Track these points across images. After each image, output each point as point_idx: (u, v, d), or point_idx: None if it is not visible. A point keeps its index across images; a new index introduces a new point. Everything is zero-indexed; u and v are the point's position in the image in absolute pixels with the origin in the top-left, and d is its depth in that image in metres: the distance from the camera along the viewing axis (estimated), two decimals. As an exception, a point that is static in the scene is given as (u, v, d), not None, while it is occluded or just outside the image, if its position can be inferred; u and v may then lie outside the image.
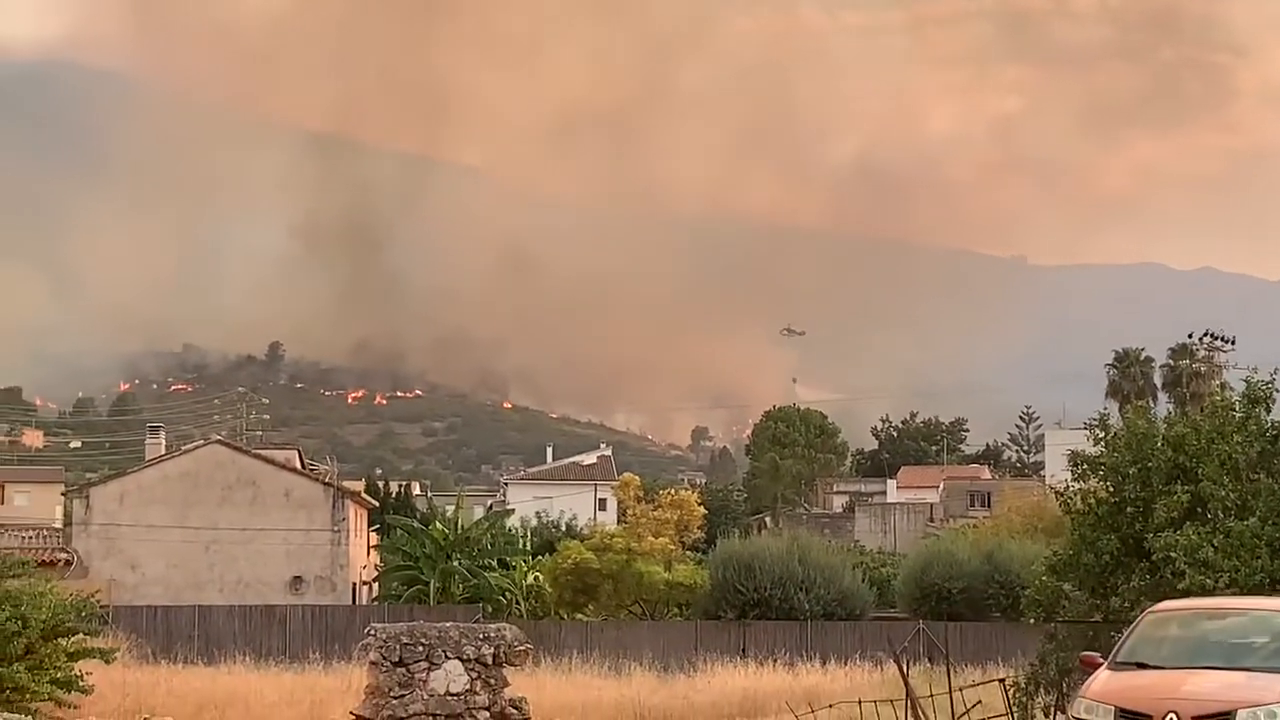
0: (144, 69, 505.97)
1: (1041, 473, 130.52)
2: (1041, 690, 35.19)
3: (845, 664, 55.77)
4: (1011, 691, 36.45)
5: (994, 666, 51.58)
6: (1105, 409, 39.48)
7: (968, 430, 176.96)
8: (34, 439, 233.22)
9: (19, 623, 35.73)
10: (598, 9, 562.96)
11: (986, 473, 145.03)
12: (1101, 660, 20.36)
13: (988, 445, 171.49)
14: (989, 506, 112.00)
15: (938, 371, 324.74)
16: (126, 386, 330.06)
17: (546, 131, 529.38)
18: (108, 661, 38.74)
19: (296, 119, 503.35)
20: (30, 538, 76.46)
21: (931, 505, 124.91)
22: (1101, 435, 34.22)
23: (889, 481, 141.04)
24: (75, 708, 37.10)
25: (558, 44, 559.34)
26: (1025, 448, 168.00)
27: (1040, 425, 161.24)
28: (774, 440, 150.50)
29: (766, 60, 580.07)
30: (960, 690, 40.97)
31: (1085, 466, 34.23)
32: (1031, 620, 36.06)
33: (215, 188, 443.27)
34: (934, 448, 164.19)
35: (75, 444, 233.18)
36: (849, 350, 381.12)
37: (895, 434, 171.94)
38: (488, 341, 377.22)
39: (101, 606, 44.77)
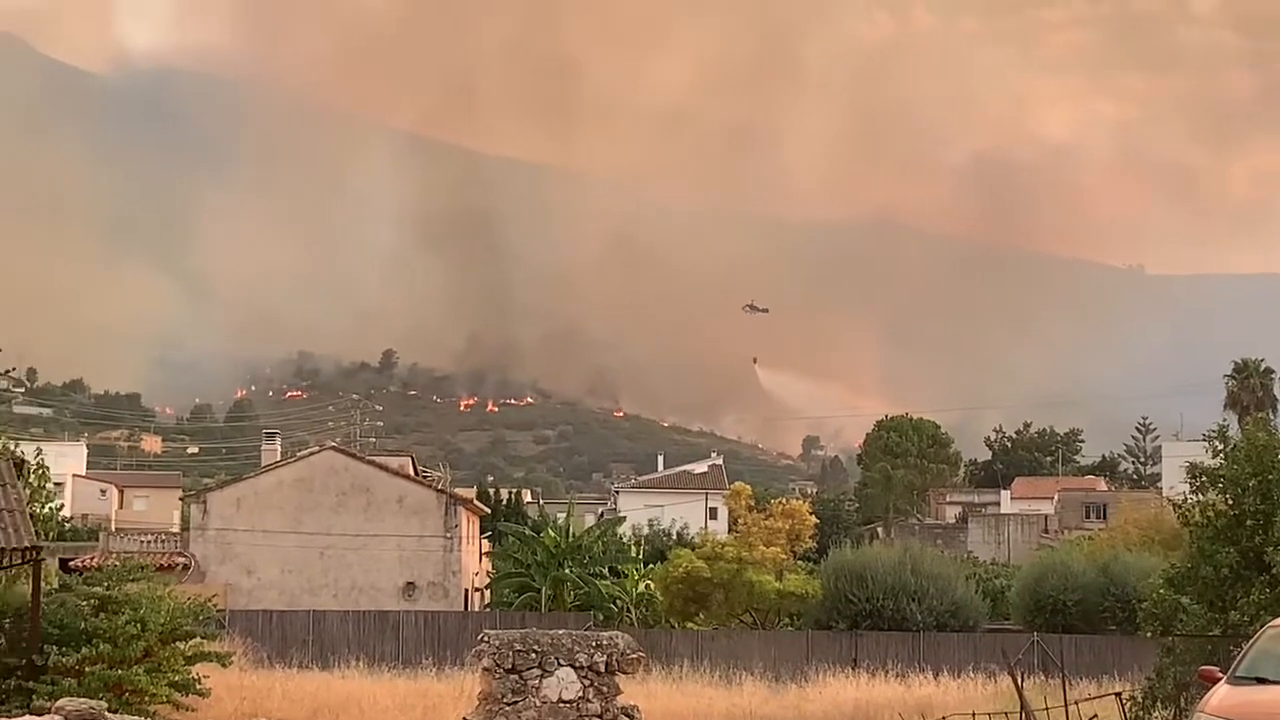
0: (259, 75, 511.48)
1: (1159, 485, 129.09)
2: (1159, 705, 34.81)
3: (958, 676, 55.34)
4: (1128, 706, 36.07)
5: (1110, 680, 51.07)
6: (1224, 421, 39.06)
7: (1083, 441, 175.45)
8: (153, 445, 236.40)
9: (138, 626, 36.19)
10: (712, 7, 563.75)
11: (1102, 484, 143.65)
12: (1220, 675, 20.13)
13: (1104, 457, 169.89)
14: (1105, 518, 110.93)
15: (1053, 381, 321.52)
16: (243, 393, 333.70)
17: (659, 131, 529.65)
18: (224, 665, 39.15)
19: (407, 121, 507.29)
20: (149, 542, 77.47)
21: (1046, 517, 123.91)
22: (1221, 447, 33.85)
23: (1003, 492, 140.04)
24: (192, 710, 37.49)
25: (669, 43, 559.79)
26: (1142, 459, 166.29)
27: (1158, 437, 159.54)
28: (886, 450, 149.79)
29: (880, 63, 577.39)
30: (1076, 704, 40.60)
31: (1204, 479, 33.87)
32: (1149, 634, 35.71)
33: (330, 192, 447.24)
34: (1049, 458, 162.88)
35: (193, 450, 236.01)
36: (963, 358, 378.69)
37: (1009, 444, 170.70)
38: (599, 345, 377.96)
39: (218, 611, 45.34)
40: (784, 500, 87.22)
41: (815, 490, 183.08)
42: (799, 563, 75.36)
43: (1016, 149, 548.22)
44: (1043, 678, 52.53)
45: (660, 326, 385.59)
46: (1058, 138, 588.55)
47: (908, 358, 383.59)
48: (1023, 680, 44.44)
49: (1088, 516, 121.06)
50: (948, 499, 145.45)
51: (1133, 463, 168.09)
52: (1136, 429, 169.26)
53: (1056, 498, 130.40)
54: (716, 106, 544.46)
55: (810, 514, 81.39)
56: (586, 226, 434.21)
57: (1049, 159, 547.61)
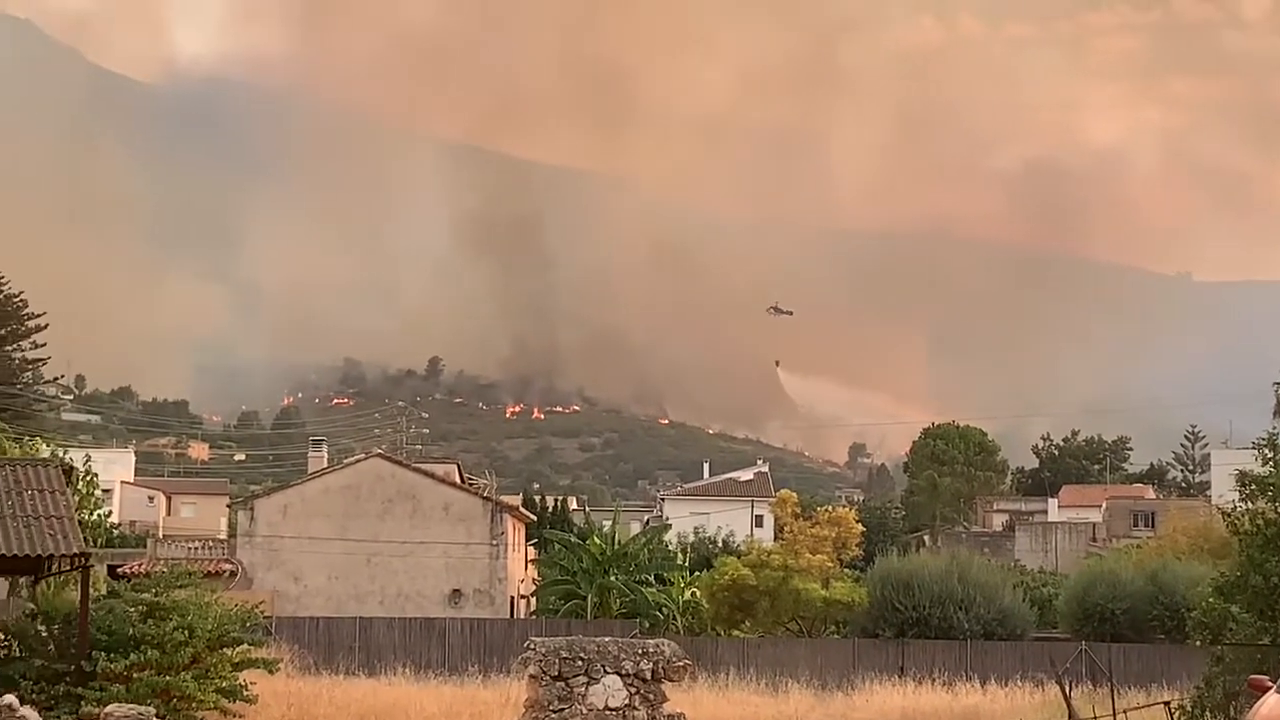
0: (306, 84, 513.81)
1: (1207, 493, 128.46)
2: (1208, 714, 34.64)
3: (1005, 684, 55.13)
4: (1177, 715, 35.91)
5: (1158, 689, 50.78)
6: (1274, 428, 38.85)
7: (1131, 449, 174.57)
8: (200, 452, 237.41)
9: (186, 632, 36.36)
10: (754, 13, 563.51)
11: (1151, 492, 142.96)
12: (1270, 684, 19.98)
13: (1152, 464, 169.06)
14: (1153, 527, 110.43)
15: (1101, 389, 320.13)
16: (290, 400, 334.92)
17: (704, 137, 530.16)
18: (271, 671, 39.29)
19: (453, 128, 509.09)
20: (196, 548, 77.80)
21: (1094, 525, 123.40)
22: (1270, 455, 33.65)
23: (1050, 500, 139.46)
24: (240, 717, 37.63)
25: (714, 50, 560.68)
26: (1191, 467, 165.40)
27: (1206, 445, 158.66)
28: (933, 458, 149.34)
29: (926, 69, 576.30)
30: (1124, 713, 40.47)
31: (1253, 487, 33.69)
32: (1198, 642, 35.56)
33: (376, 200, 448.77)
34: (1096, 466, 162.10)
35: (239, 457, 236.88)
36: (1009, 366, 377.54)
37: (1056, 452, 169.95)
38: (644, 352, 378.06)
39: (265, 617, 45.47)
40: (830, 508, 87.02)
41: (862, 498, 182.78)
42: (845, 571, 75.15)
43: (1064, 156, 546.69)
44: (1091, 687, 52.29)
45: (706, 334, 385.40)
46: (1105, 144, 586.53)
47: (954, 365, 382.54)
48: (1071, 689, 44.27)
49: (1136, 525, 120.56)
50: (995, 507, 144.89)
51: (1181, 471, 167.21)
52: (1185, 437, 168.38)
53: (1104, 506, 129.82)
54: (761, 113, 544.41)
55: (856, 522, 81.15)
56: (632, 233, 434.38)
57: (1096, 165, 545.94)
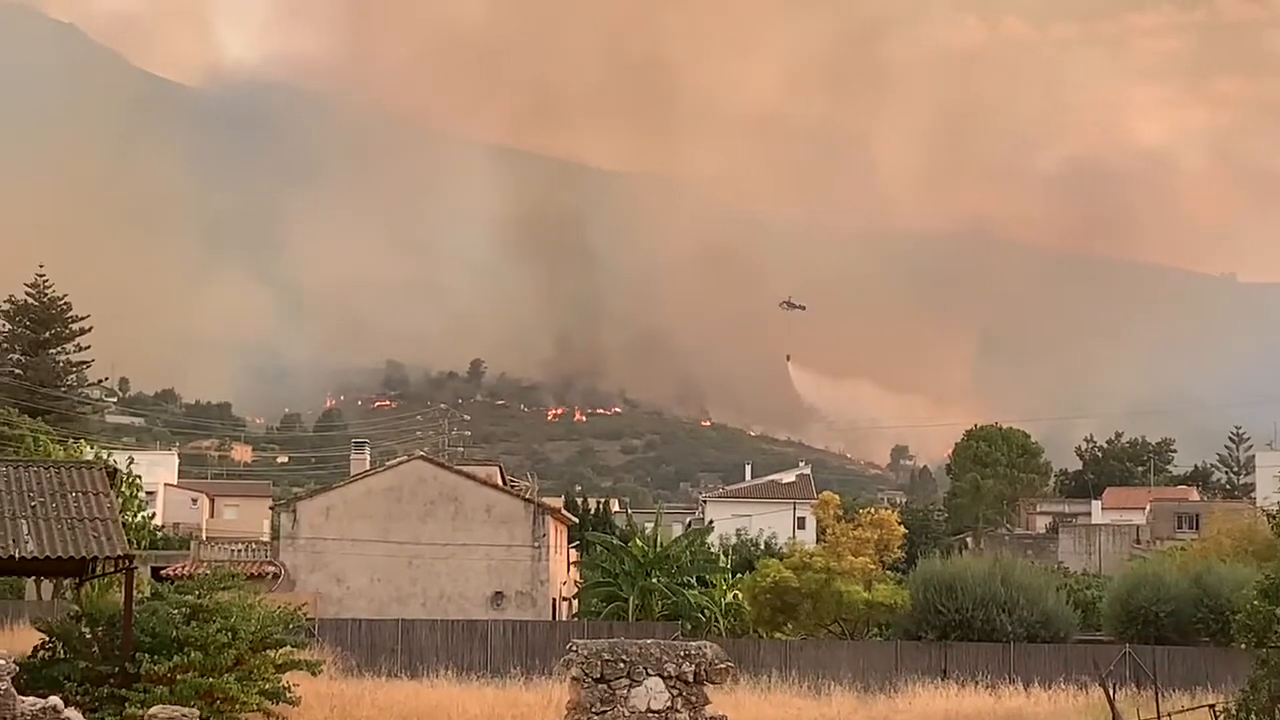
0: (349, 87, 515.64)
1: (1252, 495, 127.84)
2: (1252, 717, 34.43)
3: (1049, 687, 54.92)
4: (1222, 718, 35.70)
5: (1203, 692, 50.57)
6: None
7: (1175, 451, 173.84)
8: (243, 454, 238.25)
9: (229, 634, 36.47)
10: (797, 11, 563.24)
11: (1195, 494, 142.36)
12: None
13: (1196, 466, 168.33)
14: (1197, 529, 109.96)
15: (1144, 391, 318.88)
16: (332, 403, 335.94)
17: (747, 138, 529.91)
18: (314, 673, 39.38)
19: (496, 130, 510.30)
20: (239, 551, 78.01)
21: (1138, 527, 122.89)
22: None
23: (1094, 503, 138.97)
24: (283, 718, 37.71)
25: (757, 50, 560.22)
26: (1235, 469, 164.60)
27: (1251, 446, 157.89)
28: (975, 460, 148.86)
29: (970, 69, 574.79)
30: (1169, 716, 40.28)
31: (1299, 488, 33.48)
32: (1242, 645, 35.37)
33: (420, 202, 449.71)
34: (1140, 468, 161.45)
35: (282, 459, 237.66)
36: (1052, 367, 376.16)
37: (1100, 454, 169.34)
38: (686, 354, 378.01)
39: (308, 619, 45.57)
40: (872, 510, 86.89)
41: (904, 500, 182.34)
42: (887, 573, 75.01)
43: (1108, 156, 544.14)
44: (1135, 689, 52.07)
45: (749, 335, 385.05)
46: (1150, 144, 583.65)
47: (997, 366, 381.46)
48: (1115, 692, 44.07)
49: (1180, 527, 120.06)
50: (1038, 509, 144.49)
51: (1226, 473, 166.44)
52: (1229, 438, 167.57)
53: (1148, 508, 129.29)
54: (805, 113, 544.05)
55: (899, 524, 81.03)
56: (676, 234, 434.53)
57: (1141, 166, 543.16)
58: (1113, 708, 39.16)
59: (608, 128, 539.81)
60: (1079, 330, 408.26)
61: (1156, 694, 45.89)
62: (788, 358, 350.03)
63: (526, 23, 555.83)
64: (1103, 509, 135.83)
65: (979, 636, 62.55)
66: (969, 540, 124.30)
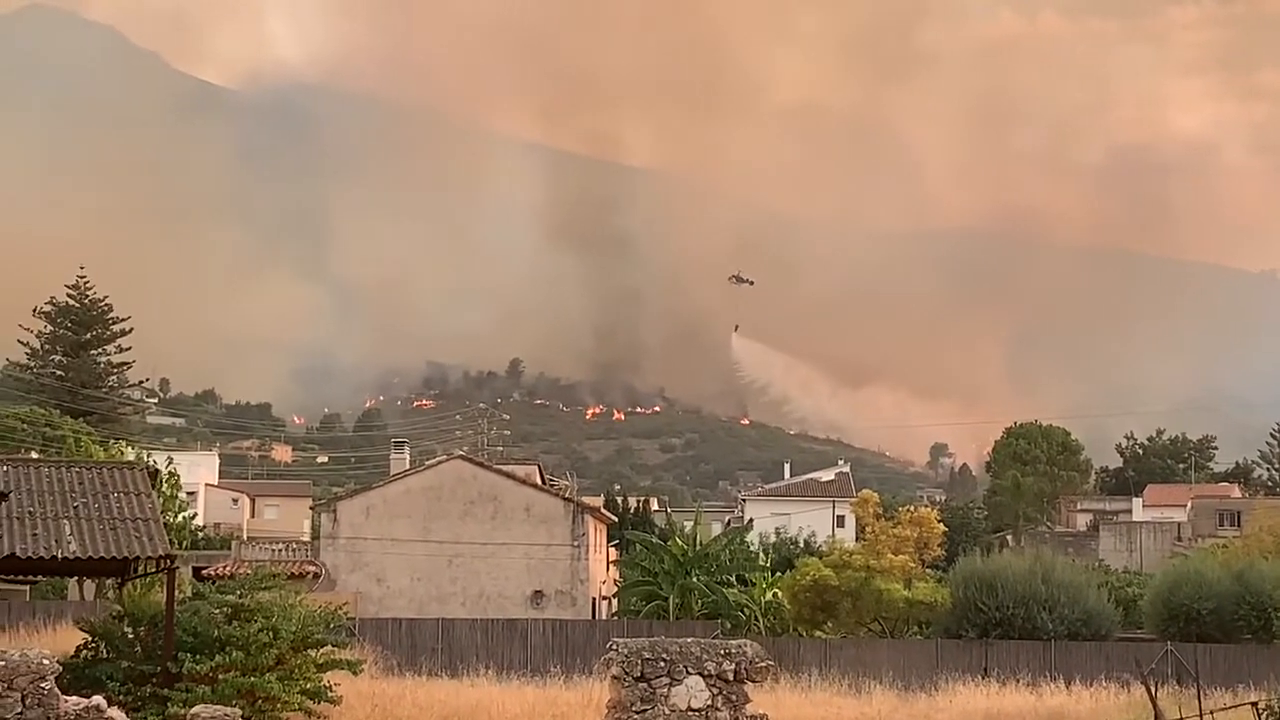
0: (391, 88, 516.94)
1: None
2: (1296, 715, 34.27)
3: (1090, 685, 54.69)
4: (1264, 716, 35.55)
5: (1245, 690, 50.30)
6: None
7: (1216, 448, 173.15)
8: (283, 454, 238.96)
9: (270, 634, 36.58)
10: (832, 12, 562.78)
11: (1236, 491, 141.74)
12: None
13: (1237, 463, 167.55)
14: (1239, 526, 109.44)
15: (1186, 388, 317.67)
16: (372, 403, 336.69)
17: (784, 135, 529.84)
18: (355, 673, 39.47)
19: (538, 130, 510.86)
20: (280, 550, 78.33)
21: (1179, 524, 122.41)
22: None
23: (1135, 500, 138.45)
24: (324, 718, 37.81)
25: (792, 48, 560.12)
26: (1277, 466, 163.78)
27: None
28: (1015, 457, 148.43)
29: (1008, 63, 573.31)
30: (1211, 714, 40.09)
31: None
32: (1285, 642, 35.17)
33: (460, 203, 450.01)
34: (1181, 465, 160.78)
35: (322, 459, 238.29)
36: (1093, 364, 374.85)
37: (1141, 451, 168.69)
38: (725, 352, 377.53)
39: (349, 619, 45.70)
40: (912, 508, 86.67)
41: (943, 498, 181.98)
42: (927, 571, 74.83)
43: (1148, 151, 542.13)
44: (1176, 687, 51.83)
45: (788, 333, 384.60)
46: (1190, 139, 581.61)
47: (1037, 363, 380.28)
48: (1156, 690, 43.88)
49: (1221, 524, 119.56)
50: (1078, 506, 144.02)
51: (1268, 469, 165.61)
52: (1271, 435, 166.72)
53: (1190, 505, 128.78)
54: (841, 103, 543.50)
55: (938, 522, 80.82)
56: (714, 234, 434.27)
57: (1181, 160, 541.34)
58: (1155, 706, 39.00)
59: (647, 123, 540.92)
60: (1118, 327, 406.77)
61: (1199, 692, 45.66)
62: (736, 327, 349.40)
63: (565, 17, 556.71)
64: (1144, 506, 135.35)
65: (1020, 635, 62.35)
66: (1009, 538, 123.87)
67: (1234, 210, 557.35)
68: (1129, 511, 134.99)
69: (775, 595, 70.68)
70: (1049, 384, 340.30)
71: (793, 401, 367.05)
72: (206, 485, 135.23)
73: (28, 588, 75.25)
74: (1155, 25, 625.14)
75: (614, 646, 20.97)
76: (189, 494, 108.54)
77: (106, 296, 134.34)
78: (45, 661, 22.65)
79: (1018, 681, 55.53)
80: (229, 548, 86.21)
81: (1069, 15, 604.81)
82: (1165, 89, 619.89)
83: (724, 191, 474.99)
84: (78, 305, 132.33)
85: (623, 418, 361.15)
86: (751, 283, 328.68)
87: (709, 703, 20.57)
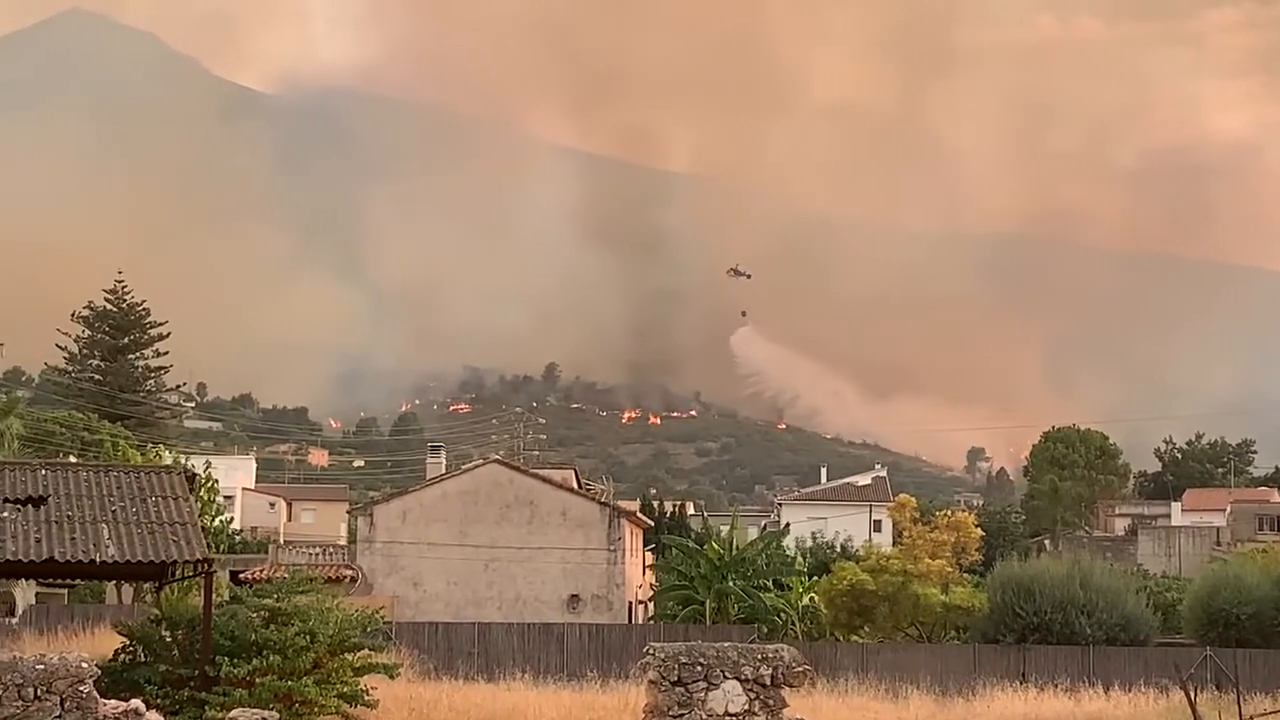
0: (426, 93, 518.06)
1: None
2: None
3: (1129, 691, 54.46)
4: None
5: (1286, 696, 50.06)
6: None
7: (1255, 452, 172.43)
8: (319, 458, 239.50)
9: (307, 638, 36.63)
10: (869, 10, 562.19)
11: (1276, 495, 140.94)
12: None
13: (1277, 467, 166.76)
14: (1279, 530, 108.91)
15: (1225, 392, 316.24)
16: (408, 407, 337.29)
17: (819, 138, 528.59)
18: (392, 677, 39.48)
19: (572, 135, 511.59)
20: (316, 554, 78.43)
21: (1218, 529, 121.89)
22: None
23: (1173, 504, 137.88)
24: (361, 721, 37.85)
25: (827, 48, 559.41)
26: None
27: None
28: (1053, 462, 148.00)
29: (1045, 65, 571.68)
30: (1251, 719, 39.83)
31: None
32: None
33: (495, 208, 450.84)
34: (1220, 470, 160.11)
35: (358, 463, 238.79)
36: (1131, 368, 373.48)
37: (1179, 455, 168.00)
38: (760, 358, 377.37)
39: (385, 622, 45.73)
40: (949, 512, 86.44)
41: (981, 502, 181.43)
42: (964, 575, 74.64)
43: (1187, 154, 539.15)
44: (1216, 693, 51.57)
45: (823, 337, 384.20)
46: (1229, 141, 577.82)
47: (1075, 367, 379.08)
48: (1196, 695, 43.68)
49: (1261, 529, 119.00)
50: (1116, 511, 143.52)
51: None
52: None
53: (1229, 509, 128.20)
54: (879, 108, 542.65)
55: (976, 526, 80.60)
56: (750, 235, 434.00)
57: (1219, 163, 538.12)
58: (1194, 711, 38.80)
59: (683, 123, 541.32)
60: (1157, 330, 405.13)
61: (1238, 697, 45.46)
62: (743, 313, 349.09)
63: (601, 16, 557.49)
64: (1182, 511, 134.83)
65: (1058, 640, 62.15)
66: (1047, 542, 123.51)
67: (1275, 212, 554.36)
68: (1167, 516, 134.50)
69: (812, 600, 70.62)
70: (1087, 387, 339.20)
71: (827, 406, 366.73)
72: (243, 489, 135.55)
73: (66, 591, 75.75)
74: (1193, 27, 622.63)
75: (651, 651, 20.94)
76: (226, 498, 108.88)
77: (144, 301, 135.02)
78: (84, 665, 22.71)
79: (1056, 687, 55.30)
80: (266, 551, 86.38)
81: (1106, 18, 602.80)
82: (1204, 91, 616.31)
83: (760, 192, 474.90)
84: (115, 310, 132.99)
85: (659, 422, 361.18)
86: (749, 276, 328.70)
87: (746, 707, 20.51)
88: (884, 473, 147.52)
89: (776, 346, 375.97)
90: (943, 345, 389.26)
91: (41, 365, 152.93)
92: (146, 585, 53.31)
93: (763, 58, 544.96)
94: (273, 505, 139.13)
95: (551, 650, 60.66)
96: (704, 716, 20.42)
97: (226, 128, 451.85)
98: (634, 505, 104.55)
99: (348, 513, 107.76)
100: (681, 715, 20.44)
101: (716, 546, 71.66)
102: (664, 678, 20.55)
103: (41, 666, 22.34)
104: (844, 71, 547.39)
